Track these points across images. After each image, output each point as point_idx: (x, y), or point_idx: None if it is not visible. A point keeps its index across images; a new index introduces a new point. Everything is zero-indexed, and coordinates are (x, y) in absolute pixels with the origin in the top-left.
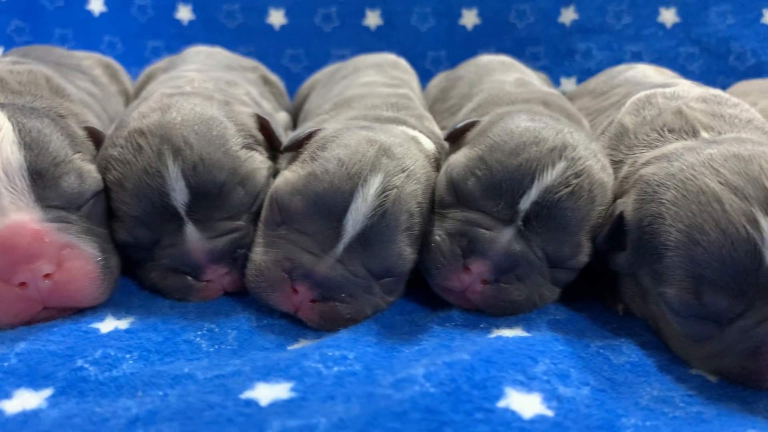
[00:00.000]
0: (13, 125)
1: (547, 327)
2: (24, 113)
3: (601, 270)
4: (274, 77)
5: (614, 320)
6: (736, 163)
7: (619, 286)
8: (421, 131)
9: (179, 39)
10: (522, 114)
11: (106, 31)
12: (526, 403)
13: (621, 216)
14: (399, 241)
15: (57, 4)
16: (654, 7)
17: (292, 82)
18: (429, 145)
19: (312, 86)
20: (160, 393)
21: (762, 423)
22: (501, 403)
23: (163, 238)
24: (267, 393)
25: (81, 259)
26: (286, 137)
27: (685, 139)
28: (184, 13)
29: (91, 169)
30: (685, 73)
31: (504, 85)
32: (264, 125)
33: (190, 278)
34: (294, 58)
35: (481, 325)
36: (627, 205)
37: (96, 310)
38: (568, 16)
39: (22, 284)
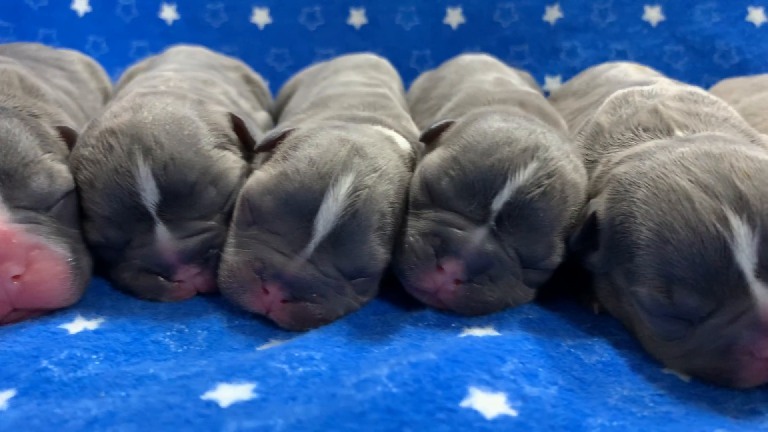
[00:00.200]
0: None
1: (519, 326)
2: None
3: (577, 269)
4: (256, 76)
5: (589, 320)
6: (707, 162)
7: (594, 285)
8: (397, 131)
9: (164, 39)
10: (496, 115)
11: (91, 31)
12: (489, 403)
13: (594, 215)
14: (371, 241)
15: (41, 4)
16: (639, 6)
17: (277, 81)
18: (405, 145)
19: (294, 86)
20: (123, 394)
21: (730, 423)
22: (464, 403)
23: (134, 238)
24: (229, 394)
25: (51, 259)
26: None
27: (660, 138)
28: (169, 13)
29: (61, 169)
30: (670, 72)
31: (483, 85)
32: (238, 124)
33: (161, 278)
34: (278, 57)
35: (453, 325)
36: (600, 204)
37: (66, 310)
38: (553, 14)
39: None
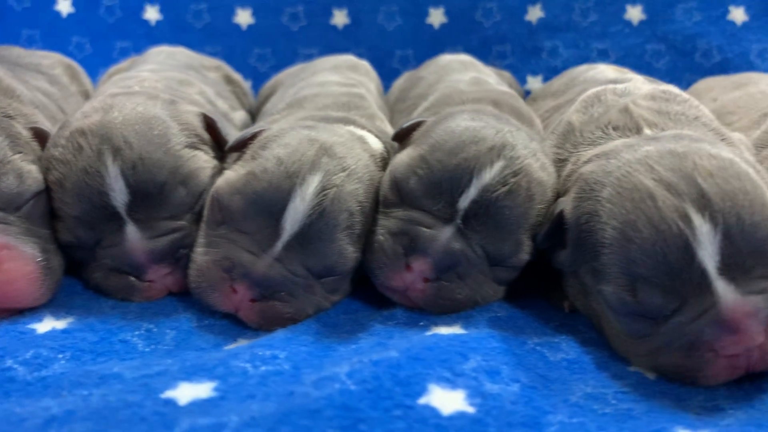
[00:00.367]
0: None
1: (486, 324)
2: None
3: (548, 267)
4: (237, 76)
5: (558, 318)
6: (671, 160)
7: (565, 284)
8: (370, 131)
9: (147, 39)
10: (465, 114)
11: (74, 32)
12: (447, 400)
13: (561, 214)
14: (339, 240)
15: (24, 5)
16: (620, 5)
17: (259, 81)
18: (377, 144)
19: (274, 87)
20: (85, 393)
21: (692, 419)
22: (422, 400)
23: (104, 238)
24: (188, 392)
25: (20, 259)
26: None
27: (629, 137)
28: (152, 14)
29: (31, 170)
30: (652, 71)
31: (459, 85)
32: (210, 124)
33: (132, 278)
34: (261, 57)
35: (421, 323)
36: (567, 203)
37: (35, 310)
38: (535, 14)
39: None
